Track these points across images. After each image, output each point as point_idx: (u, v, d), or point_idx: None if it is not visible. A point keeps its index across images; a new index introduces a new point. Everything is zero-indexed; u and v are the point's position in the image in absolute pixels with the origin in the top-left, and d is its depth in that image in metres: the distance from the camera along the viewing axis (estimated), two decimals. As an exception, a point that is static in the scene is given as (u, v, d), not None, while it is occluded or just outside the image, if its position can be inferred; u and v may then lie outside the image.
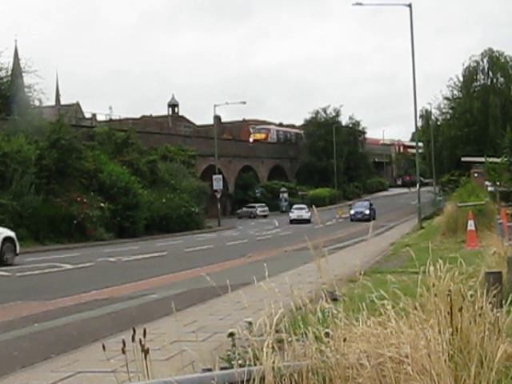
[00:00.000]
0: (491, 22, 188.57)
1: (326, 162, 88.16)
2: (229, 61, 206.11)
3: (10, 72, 57.98)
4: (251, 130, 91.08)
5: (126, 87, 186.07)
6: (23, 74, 58.63)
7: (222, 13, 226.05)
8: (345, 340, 4.04)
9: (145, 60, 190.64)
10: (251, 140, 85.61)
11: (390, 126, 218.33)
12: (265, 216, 69.64)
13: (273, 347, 3.78)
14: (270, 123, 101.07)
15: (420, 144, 54.96)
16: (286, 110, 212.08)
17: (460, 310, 4.08)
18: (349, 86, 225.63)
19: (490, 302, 4.32)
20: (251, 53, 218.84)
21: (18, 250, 22.88)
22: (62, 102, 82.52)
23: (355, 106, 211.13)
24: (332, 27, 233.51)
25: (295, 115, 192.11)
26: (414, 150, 60.97)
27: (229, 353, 4.50)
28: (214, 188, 58.50)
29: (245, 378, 3.66)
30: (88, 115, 73.71)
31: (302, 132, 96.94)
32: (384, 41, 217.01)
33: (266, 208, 71.97)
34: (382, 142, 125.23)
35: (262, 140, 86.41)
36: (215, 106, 64.65)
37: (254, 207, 70.87)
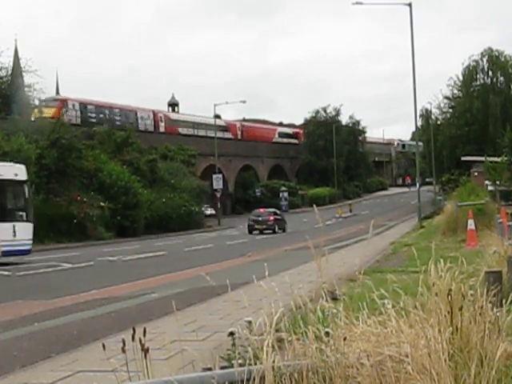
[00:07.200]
0: (506, 21, 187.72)
1: (326, 161, 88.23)
2: (242, 60, 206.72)
3: (10, 71, 57.97)
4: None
5: (130, 87, 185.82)
6: (23, 74, 58.62)
7: (234, 12, 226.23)
8: (345, 339, 4.04)
9: (153, 59, 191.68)
10: (32, 119, 51.14)
11: (391, 125, 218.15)
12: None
13: (273, 346, 3.78)
14: (271, 123, 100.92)
15: (420, 143, 54.94)
16: (297, 109, 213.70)
17: (460, 309, 4.08)
18: (359, 85, 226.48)
19: (490, 302, 4.32)
20: (264, 52, 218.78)
21: None
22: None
23: (361, 105, 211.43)
24: (348, 26, 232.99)
25: (304, 115, 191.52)
26: None
27: (229, 352, 4.50)
28: (214, 187, 58.51)
29: (245, 378, 3.66)
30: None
31: (163, 114, 71.42)
32: (395, 40, 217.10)
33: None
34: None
35: (50, 118, 49.35)
36: (215, 105, 64.50)
37: None
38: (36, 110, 52.72)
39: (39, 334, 8.72)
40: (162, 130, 68.25)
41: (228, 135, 79.08)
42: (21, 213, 24.67)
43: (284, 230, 44.64)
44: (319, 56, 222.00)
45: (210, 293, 10.40)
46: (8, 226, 23.55)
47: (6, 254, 23.23)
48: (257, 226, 43.93)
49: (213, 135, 67.24)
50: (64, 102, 57.03)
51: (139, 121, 65.39)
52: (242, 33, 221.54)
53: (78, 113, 58.01)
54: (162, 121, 69.11)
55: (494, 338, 4.06)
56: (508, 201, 31.75)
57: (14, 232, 23.66)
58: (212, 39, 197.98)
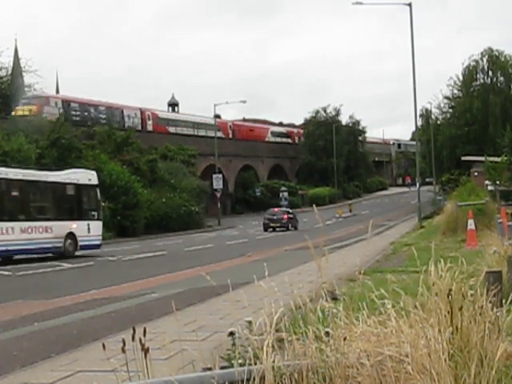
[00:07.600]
0: (507, 21, 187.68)
1: (326, 161, 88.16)
2: (242, 60, 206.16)
3: (10, 71, 58.00)
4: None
5: (130, 87, 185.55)
6: (23, 74, 58.65)
7: (234, 12, 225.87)
8: (345, 339, 4.04)
9: (153, 59, 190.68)
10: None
11: (391, 125, 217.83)
12: None
13: (273, 346, 3.78)
14: (271, 123, 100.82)
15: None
16: (297, 109, 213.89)
17: (460, 309, 4.08)
18: (359, 85, 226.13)
19: (490, 302, 4.32)
20: (264, 52, 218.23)
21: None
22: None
23: (361, 105, 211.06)
24: (348, 26, 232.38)
25: (304, 115, 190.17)
26: None
27: (229, 352, 4.50)
28: (214, 187, 58.47)
29: (245, 378, 3.66)
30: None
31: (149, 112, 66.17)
32: (395, 40, 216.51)
33: None
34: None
35: (31, 115, 49.51)
36: (215, 105, 64.49)
37: None
38: (16, 108, 51.91)
39: (39, 334, 8.73)
40: (149, 128, 64.92)
41: (219, 134, 72.20)
42: (93, 212, 28.35)
43: (296, 228, 46.56)
44: (319, 56, 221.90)
45: (209, 293, 10.39)
46: (84, 223, 27.27)
47: (82, 248, 26.91)
48: (272, 224, 46.65)
49: (204, 134, 66.49)
50: (47, 100, 54.34)
51: (126, 119, 61.88)
52: (241, 33, 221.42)
53: (61, 110, 53.68)
54: (149, 119, 65.58)
55: (494, 338, 4.06)
56: (508, 201, 31.74)
57: (89, 229, 27.46)
58: (212, 39, 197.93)
